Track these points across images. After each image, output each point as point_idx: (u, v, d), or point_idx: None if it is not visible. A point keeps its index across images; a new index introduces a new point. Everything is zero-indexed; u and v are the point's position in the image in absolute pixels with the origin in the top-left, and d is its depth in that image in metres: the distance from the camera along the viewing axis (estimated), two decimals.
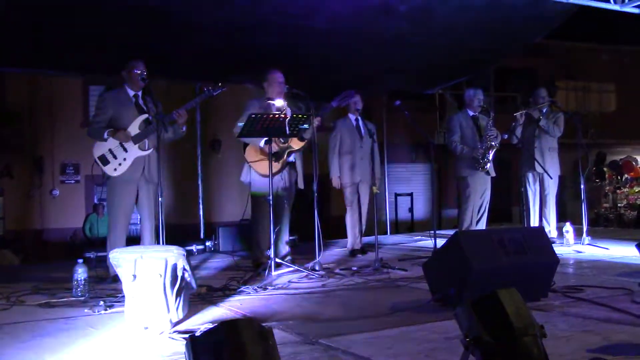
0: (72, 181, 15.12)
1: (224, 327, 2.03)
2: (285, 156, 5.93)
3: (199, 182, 9.61)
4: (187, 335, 2.06)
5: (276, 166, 5.83)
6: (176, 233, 6.61)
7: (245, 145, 5.97)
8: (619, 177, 16.23)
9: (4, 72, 12.64)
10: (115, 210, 5.55)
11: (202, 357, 1.99)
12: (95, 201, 14.45)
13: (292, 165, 6.13)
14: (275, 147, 5.82)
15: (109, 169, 5.45)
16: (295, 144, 5.98)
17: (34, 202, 14.71)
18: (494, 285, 2.48)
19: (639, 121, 19.93)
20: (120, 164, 5.45)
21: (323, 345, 3.16)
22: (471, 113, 7.40)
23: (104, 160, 5.44)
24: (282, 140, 5.91)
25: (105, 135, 5.41)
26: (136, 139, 5.47)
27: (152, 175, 5.57)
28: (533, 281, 4.09)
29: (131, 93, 5.62)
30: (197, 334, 2.07)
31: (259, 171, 5.86)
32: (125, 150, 5.46)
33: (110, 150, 5.44)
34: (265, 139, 5.67)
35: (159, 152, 5.31)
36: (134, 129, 5.48)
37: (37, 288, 5.08)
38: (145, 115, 5.53)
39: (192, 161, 10.09)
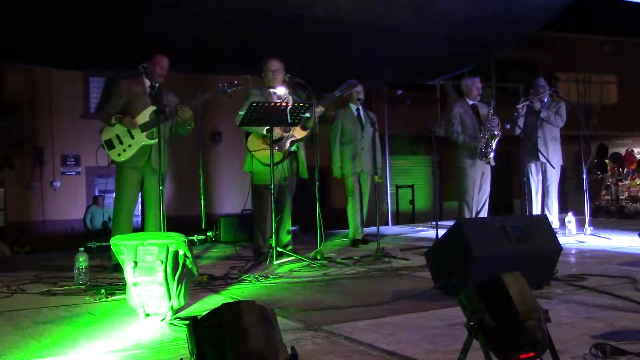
0: (73, 172, 15.11)
1: (225, 309, 2.01)
2: (287, 145, 5.90)
3: (200, 174, 9.58)
4: (188, 322, 2.04)
5: (279, 155, 5.81)
6: (177, 224, 6.59)
7: (248, 134, 5.94)
8: (620, 170, 16.18)
9: (2, 64, 12.62)
10: (121, 198, 5.56)
11: (203, 338, 1.97)
12: (96, 193, 14.45)
13: (293, 155, 6.10)
14: (278, 134, 5.80)
15: (113, 154, 5.48)
16: (298, 133, 5.96)
17: (35, 193, 14.71)
18: (497, 272, 2.45)
19: None
20: (124, 150, 5.46)
21: (325, 332, 3.14)
22: (470, 102, 7.36)
23: (110, 145, 5.47)
24: (285, 130, 5.88)
25: (113, 121, 5.43)
26: (144, 127, 5.46)
27: (158, 165, 5.55)
28: (535, 269, 4.06)
29: (147, 84, 5.61)
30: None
31: (261, 160, 5.83)
32: (132, 137, 5.46)
33: (118, 136, 5.47)
34: (267, 127, 5.64)
35: (160, 142, 5.29)
36: (143, 117, 5.48)
37: (38, 277, 5.08)
38: (156, 107, 5.51)
39: (193, 153, 10.07)
